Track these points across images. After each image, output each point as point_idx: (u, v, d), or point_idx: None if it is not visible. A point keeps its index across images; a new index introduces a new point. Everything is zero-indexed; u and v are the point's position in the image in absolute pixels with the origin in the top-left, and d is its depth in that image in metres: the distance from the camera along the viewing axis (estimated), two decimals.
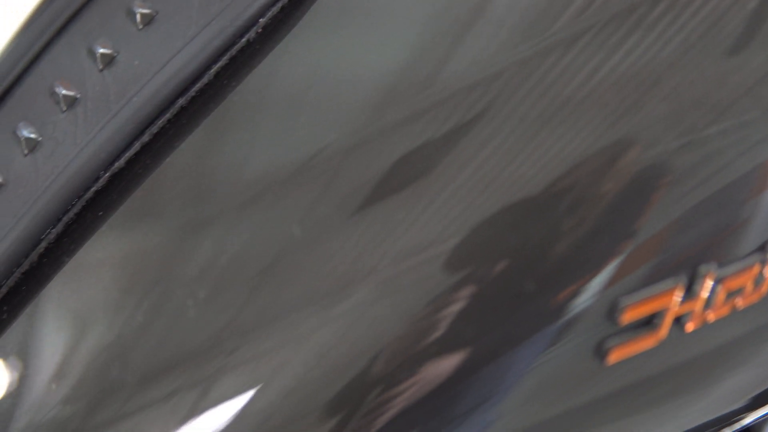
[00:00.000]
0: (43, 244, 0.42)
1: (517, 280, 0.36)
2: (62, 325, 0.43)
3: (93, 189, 0.42)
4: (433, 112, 0.38)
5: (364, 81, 0.40)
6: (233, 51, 0.41)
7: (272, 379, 0.39)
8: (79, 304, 0.43)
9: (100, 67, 0.44)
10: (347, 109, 0.40)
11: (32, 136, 0.45)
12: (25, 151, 0.45)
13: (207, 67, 0.41)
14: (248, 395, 0.39)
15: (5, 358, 0.44)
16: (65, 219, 0.42)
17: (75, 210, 0.42)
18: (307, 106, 0.40)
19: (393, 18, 0.40)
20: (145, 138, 0.41)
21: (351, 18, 0.41)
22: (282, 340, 0.39)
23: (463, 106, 0.37)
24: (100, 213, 0.42)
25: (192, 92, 0.41)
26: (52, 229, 0.42)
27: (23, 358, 0.44)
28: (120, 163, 0.42)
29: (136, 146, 0.42)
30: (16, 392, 0.44)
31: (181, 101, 0.41)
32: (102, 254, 0.42)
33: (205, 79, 0.41)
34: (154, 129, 0.41)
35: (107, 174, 0.42)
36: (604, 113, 0.37)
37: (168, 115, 0.41)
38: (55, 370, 0.42)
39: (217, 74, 0.41)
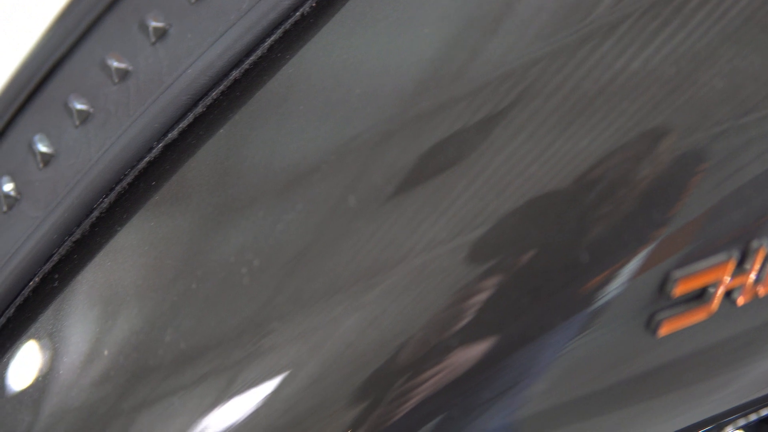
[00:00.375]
0: (95, 213, 0.43)
1: (570, 253, 0.37)
2: (97, 306, 0.43)
3: (146, 159, 0.42)
4: (469, 100, 0.38)
5: (406, 63, 0.40)
6: (287, 24, 0.42)
7: (302, 364, 0.39)
8: (114, 284, 0.43)
9: (153, 40, 0.45)
10: (390, 91, 0.40)
11: (84, 107, 0.45)
12: (77, 123, 0.45)
13: (261, 40, 0.42)
14: (278, 380, 0.39)
15: (42, 337, 0.44)
16: (118, 188, 0.42)
17: (128, 180, 0.42)
18: (356, 84, 0.41)
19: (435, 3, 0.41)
20: (199, 110, 0.42)
21: None
22: (312, 327, 0.39)
23: (498, 95, 0.38)
24: (153, 183, 0.42)
25: (246, 65, 0.42)
26: (105, 198, 0.42)
27: (58, 338, 0.44)
28: (173, 134, 0.42)
29: (189, 118, 0.42)
30: (49, 372, 0.44)
31: (235, 74, 0.42)
32: (140, 235, 0.42)
33: (258, 52, 0.42)
34: (208, 101, 0.42)
35: (160, 145, 0.42)
36: (658, 89, 0.37)
37: (221, 88, 0.42)
38: (89, 351, 0.42)
39: (271, 47, 0.42)
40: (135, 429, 0.39)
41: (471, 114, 0.38)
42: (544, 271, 0.37)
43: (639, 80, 0.37)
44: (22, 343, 0.44)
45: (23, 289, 0.44)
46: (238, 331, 0.39)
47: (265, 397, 0.39)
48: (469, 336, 0.37)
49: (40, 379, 0.43)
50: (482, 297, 0.37)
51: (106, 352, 0.41)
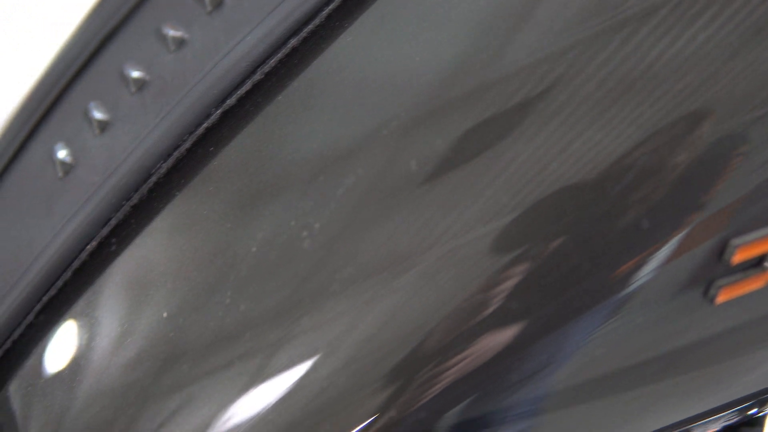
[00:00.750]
0: (153, 179, 0.43)
1: (631, 220, 0.37)
2: (154, 271, 0.43)
3: (204, 126, 0.43)
4: (503, 86, 0.38)
5: (444, 47, 0.40)
6: None
7: (335, 347, 0.39)
8: (171, 249, 0.43)
9: (209, 9, 0.45)
10: (428, 76, 0.40)
11: (140, 75, 0.46)
12: (133, 90, 0.46)
13: (319, 8, 0.42)
14: (311, 362, 0.40)
15: (99, 301, 0.45)
16: (176, 154, 0.43)
17: (186, 146, 0.43)
18: (406, 60, 0.41)
19: None
20: (257, 77, 0.42)
21: None
22: (346, 309, 0.39)
23: (536, 79, 0.38)
24: (211, 149, 0.42)
25: (304, 33, 0.42)
26: (163, 164, 0.43)
27: (115, 302, 0.44)
28: (231, 101, 0.42)
29: (248, 85, 0.42)
30: (106, 335, 0.45)
31: (293, 42, 0.42)
32: (198, 200, 0.43)
33: (317, 21, 0.42)
34: (266, 68, 0.42)
35: (218, 111, 0.42)
36: (720, 58, 0.37)
37: (279, 55, 0.42)
38: (149, 314, 0.42)
39: (329, 16, 0.42)
40: (195, 387, 0.40)
41: (506, 99, 0.38)
42: (604, 239, 0.37)
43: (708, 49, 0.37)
44: (80, 306, 0.44)
45: (80, 253, 0.44)
46: (272, 314, 0.40)
47: (299, 379, 0.40)
48: (527, 303, 0.37)
49: (99, 341, 0.44)
50: (539, 264, 0.37)
51: (165, 314, 0.41)
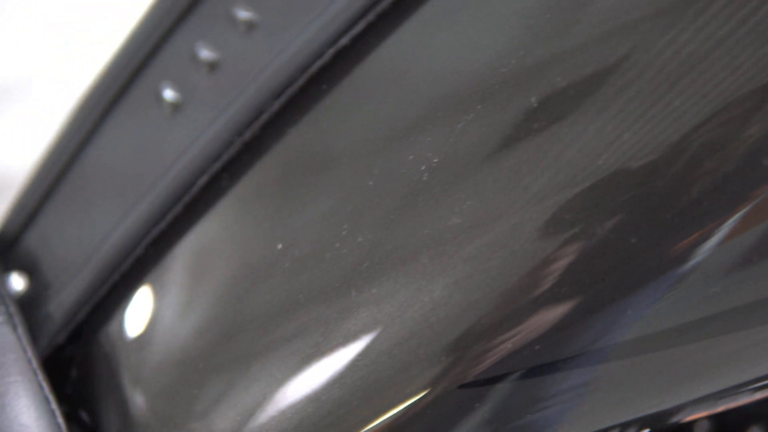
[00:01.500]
0: (265, 117, 0.44)
1: (697, 192, 0.37)
2: (267, 204, 0.44)
3: (317, 64, 0.43)
4: (571, 59, 0.38)
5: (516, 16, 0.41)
6: None
7: (396, 319, 0.40)
8: (282, 184, 0.44)
9: None
10: (498, 45, 0.41)
11: (249, 16, 0.47)
12: (242, 30, 0.47)
13: None
14: (372, 335, 0.40)
15: (211, 232, 0.46)
16: (289, 92, 0.44)
17: (299, 84, 0.44)
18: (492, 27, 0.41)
19: None
20: (370, 17, 0.43)
21: None
22: (409, 280, 0.40)
23: (605, 54, 0.38)
24: (324, 86, 0.43)
25: None
26: (275, 101, 0.44)
27: (228, 232, 0.45)
28: (344, 40, 0.43)
29: (361, 25, 0.43)
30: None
31: (384, 3, 0.43)
32: (311, 138, 0.44)
33: None
34: (379, 9, 0.43)
35: (331, 50, 0.43)
36: None
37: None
38: (263, 245, 0.43)
39: None
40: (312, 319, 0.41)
41: (573, 73, 0.38)
42: (668, 213, 0.37)
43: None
44: (190, 239, 0.46)
45: (191, 187, 0.45)
46: (335, 286, 0.41)
47: (358, 352, 0.40)
48: (586, 277, 0.38)
49: (209, 274, 0.45)
50: (602, 237, 0.37)
51: (280, 246, 0.42)
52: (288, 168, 0.44)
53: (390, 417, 0.40)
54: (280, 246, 0.42)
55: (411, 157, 0.40)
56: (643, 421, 0.42)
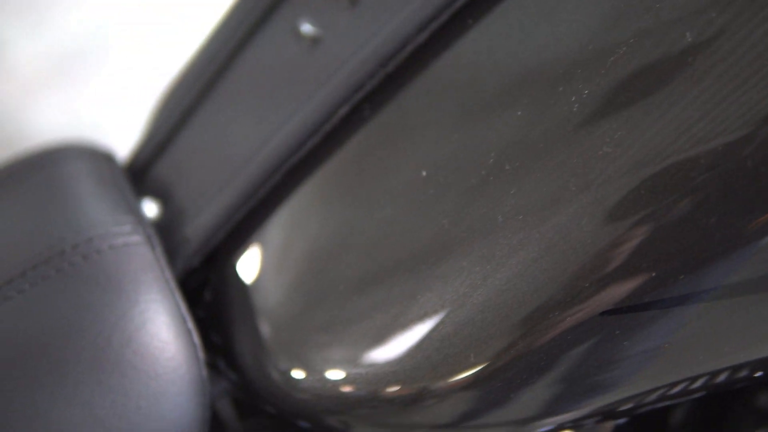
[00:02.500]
0: (410, 47, 0.45)
1: None
2: (403, 138, 0.45)
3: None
4: (659, 35, 0.38)
5: None
6: None
7: (471, 294, 0.41)
8: (417, 117, 0.45)
9: None
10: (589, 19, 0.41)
11: None
12: None
13: None
14: (449, 307, 0.41)
15: (349, 164, 0.47)
16: (433, 25, 0.44)
17: (443, 18, 0.44)
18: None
19: None
20: None
21: None
22: (486, 254, 0.40)
23: (696, 31, 0.37)
24: (470, 21, 0.44)
25: None
26: (420, 34, 0.44)
27: (365, 165, 0.46)
28: None
29: None
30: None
31: None
32: (452, 76, 0.44)
33: None
34: None
35: None
36: None
37: None
38: (407, 173, 0.44)
39: None
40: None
41: (662, 49, 0.38)
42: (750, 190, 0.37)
43: None
44: (329, 168, 0.47)
45: (331, 117, 0.46)
46: (415, 258, 0.42)
47: (436, 323, 0.41)
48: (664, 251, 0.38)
49: (348, 198, 0.46)
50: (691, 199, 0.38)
51: (424, 173, 0.43)
52: (432, 100, 0.44)
53: (480, 368, 0.41)
54: (424, 173, 0.43)
55: (561, 88, 0.40)
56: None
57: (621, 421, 0.51)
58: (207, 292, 0.51)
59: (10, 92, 1.41)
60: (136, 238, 0.47)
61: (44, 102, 1.40)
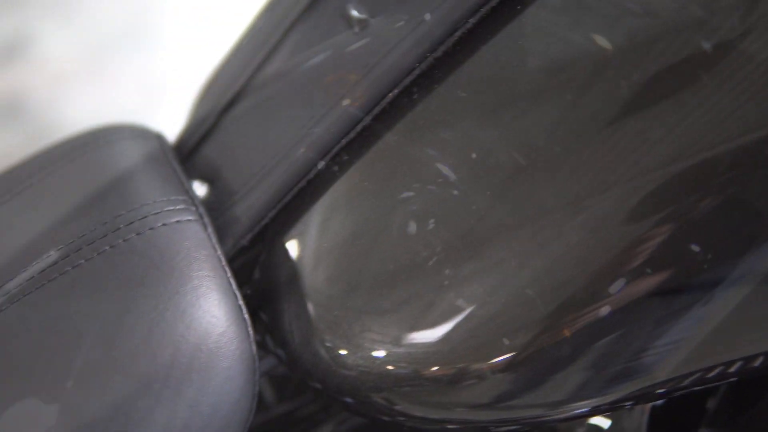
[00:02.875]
0: (459, 33, 0.45)
1: None
2: (452, 118, 0.46)
3: None
4: (692, 31, 0.39)
5: None
6: None
7: (508, 281, 0.42)
8: (466, 102, 0.46)
9: None
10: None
11: None
12: None
13: None
14: (486, 294, 0.42)
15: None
16: (483, 11, 0.45)
17: (493, 3, 0.45)
18: None
19: None
20: None
21: None
22: (524, 243, 0.42)
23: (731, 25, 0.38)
24: (518, 7, 0.44)
25: None
26: (470, 18, 0.45)
27: (416, 145, 0.47)
28: None
29: None
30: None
31: None
32: (501, 61, 0.45)
33: None
34: None
35: None
36: None
37: None
38: (460, 151, 0.45)
39: None
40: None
41: (696, 43, 0.39)
42: None
43: None
44: (378, 148, 0.47)
45: (381, 100, 0.47)
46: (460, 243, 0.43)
47: (474, 309, 0.42)
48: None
49: (392, 184, 0.47)
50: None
51: (474, 156, 0.44)
52: (480, 85, 0.45)
53: (516, 353, 0.42)
54: (474, 156, 0.44)
55: (611, 72, 0.41)
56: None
57: (658, 402, 0.52)
58: (256, 270, 0.52)
59: (42, 84, 1.43)
60: (189, 217, 0.48)
61: (76, 94, 1.42)
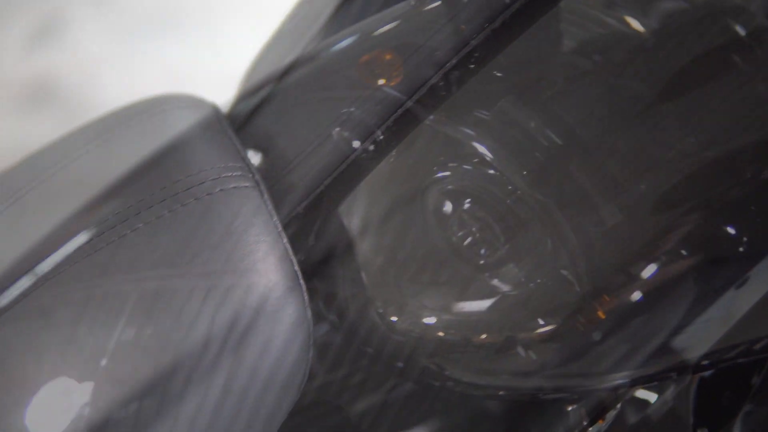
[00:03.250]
0: (517, 5, 0.46)
1: None
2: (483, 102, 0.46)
3: None
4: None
5: None
6: None
7: (547, 260, 0.43)
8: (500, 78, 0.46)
9: None
10: None
11: None
12: None
13: None
14: (529, 266, 0.43)
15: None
16: None
17: None
18: None
19: None
20: None
21: None
22: (569, 220, 0.42)
23: None
24: None
25: None
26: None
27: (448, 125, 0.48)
28: None
29: None
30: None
31: None
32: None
33: None
34: None
35: None
36: None
37: None
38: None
39: None
40: None
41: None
42: None
43: None
44: (436, 119, 0.48)
45: (438, 70, 0.47)
46: None
47: (518, 283, 0.43)
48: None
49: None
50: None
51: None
52: (519, 66, 0.46)
53: (557, 326, 0.42)
54: (510, 135, 0.44)
55: (646, 56, 0.42)
56: None
57: (706, 374, 0.52)
58: (310, 237, 0.52)
59: (75, 69, 1.44)
60: (246, 183, 0.49)
61: (108, 78, 1.43)
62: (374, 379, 0.52)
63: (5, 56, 1.42)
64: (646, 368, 0.44)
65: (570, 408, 0.47)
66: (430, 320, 0.46)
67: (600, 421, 0.48)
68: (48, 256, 0.47)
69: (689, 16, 0.41)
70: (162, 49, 1.46)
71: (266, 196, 0.49)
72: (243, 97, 0.57)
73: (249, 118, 0.57)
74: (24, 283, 0.47)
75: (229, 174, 0.49)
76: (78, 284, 0.46)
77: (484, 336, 0.45)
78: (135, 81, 1.43)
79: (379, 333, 0.48)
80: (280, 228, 0.48)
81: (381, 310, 0.48)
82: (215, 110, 0.56)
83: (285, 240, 0.48)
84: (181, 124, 0.53)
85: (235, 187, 0.49)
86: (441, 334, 0.46)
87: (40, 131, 1.35)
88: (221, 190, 0.48)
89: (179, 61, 1.44)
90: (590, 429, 0.47)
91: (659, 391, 0.53)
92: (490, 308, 0.44)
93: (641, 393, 0.53)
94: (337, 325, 0.51)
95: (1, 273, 0.48)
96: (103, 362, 0.44)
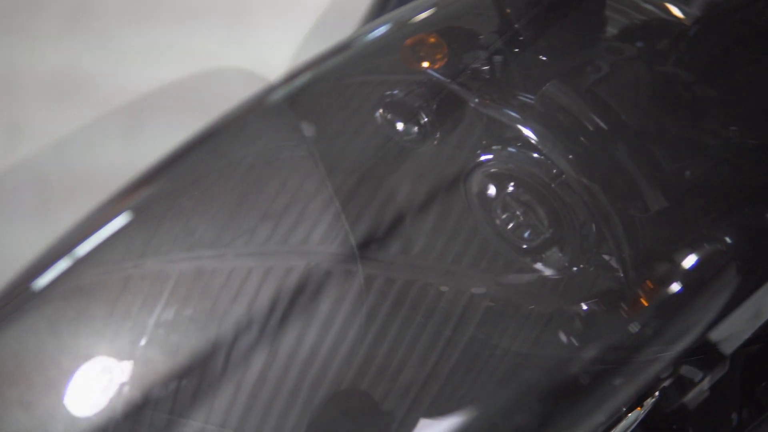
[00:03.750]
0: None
1: None
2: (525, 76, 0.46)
3: None
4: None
5: None
6: None
7: (589, 246, 0.43)
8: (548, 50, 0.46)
9: None
10: None
11: None
12: None
13: None
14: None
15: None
16: None
17: None
18: None
19: None
20: None
21: None
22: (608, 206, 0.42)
23: None
24: None
25: None
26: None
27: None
28: None
29: None
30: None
31: None
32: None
33: None
34: None
35: None
36: None
37: None
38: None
39: None
40: None
41: None
42: None
43: None
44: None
45: (487, 46, 0.47)
46: None
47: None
48: None
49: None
50: None
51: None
52: (562, 50, 0.46)
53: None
54: (555, 118, 0.44)
55: (688, 41, 0.42)
56: None
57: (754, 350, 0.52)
58: (357, 213, 0.53)
59: (104, 60, 1.45)
60: (301, 153, 0.50)
61: (136, 69, 1.43)
62: (421, 348, 0.52)
63: (35, 46, 1.43)
64: (686, 355, 0.44)
65: (610, 394, 0.48)
66: (479, 290, 0.46)
67: (638, 408, 0.48)
68: (86, 238, 0.48)
69: (730, 3, 0.41)
70: (190, 40, 1.47)
71: (321, 167, 0.50)
72: (291, 76, 0.58)
73: (306, 88, 0.57)
74: (63, 264, 0.47)
75: (286, 144, 0.50)
76: (116, 265, 0.46)
77: (531, 307, 0.45)
78: (162, 72, 1.43)
79: (428, 302, 0.48)
80: (335, 198, 0.49)
81: (430, 281, 0.48)
82: (270, 85, 0.56)
83: (340, 209, 0.48)
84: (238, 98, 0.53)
85: (291, 157, 0.49)
86: (490, 303, 0.46)
87: (69, 121, 1.35)
88: (278, 159, 0.49)
89: (207, 54, 1.45)
90: (629, 415, 0.47)
91: (697, 377, 0.53)
92: (535, 289, 0.44)
93: (680, 379, 0.52)
94: (387, 295, 0.51)
95: (41, 255, 0.48)
96: (142, 342, 0.44)
